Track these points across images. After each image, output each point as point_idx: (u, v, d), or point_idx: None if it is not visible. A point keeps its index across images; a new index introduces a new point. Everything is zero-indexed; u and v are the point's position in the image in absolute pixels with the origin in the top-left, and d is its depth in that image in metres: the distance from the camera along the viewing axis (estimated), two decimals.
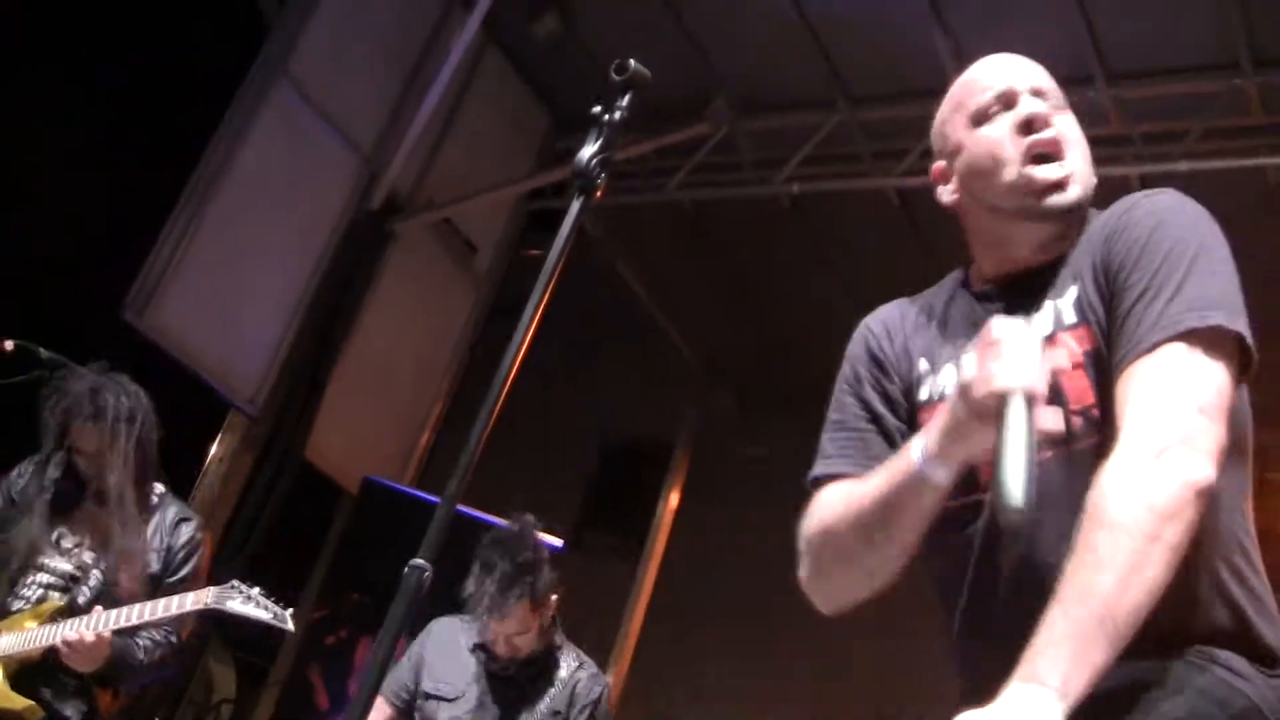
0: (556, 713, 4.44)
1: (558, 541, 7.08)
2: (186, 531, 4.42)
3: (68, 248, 6.03)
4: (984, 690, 1.81)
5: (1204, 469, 1.88)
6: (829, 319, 9.64)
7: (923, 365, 2.31)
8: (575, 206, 2.62)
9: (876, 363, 2.35)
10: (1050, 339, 2.10)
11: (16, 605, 4.17)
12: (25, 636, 4.06)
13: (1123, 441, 1.92)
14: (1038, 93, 2.29)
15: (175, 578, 4.34)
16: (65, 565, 4.23)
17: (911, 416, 2.30)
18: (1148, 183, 7.12)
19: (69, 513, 4.33)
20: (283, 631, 4.18)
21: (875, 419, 2.30)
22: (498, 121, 8.86)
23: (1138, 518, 1.83)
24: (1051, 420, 1.94)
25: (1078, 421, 2.06)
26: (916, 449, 2.04)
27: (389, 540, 7.29)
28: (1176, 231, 2.08)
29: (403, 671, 4.62)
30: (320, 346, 7.88)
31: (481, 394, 2.57)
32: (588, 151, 2.59)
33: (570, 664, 4.59)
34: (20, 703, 3.99)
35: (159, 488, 4.53)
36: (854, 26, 7.47)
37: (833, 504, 2.23)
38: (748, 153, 8.43)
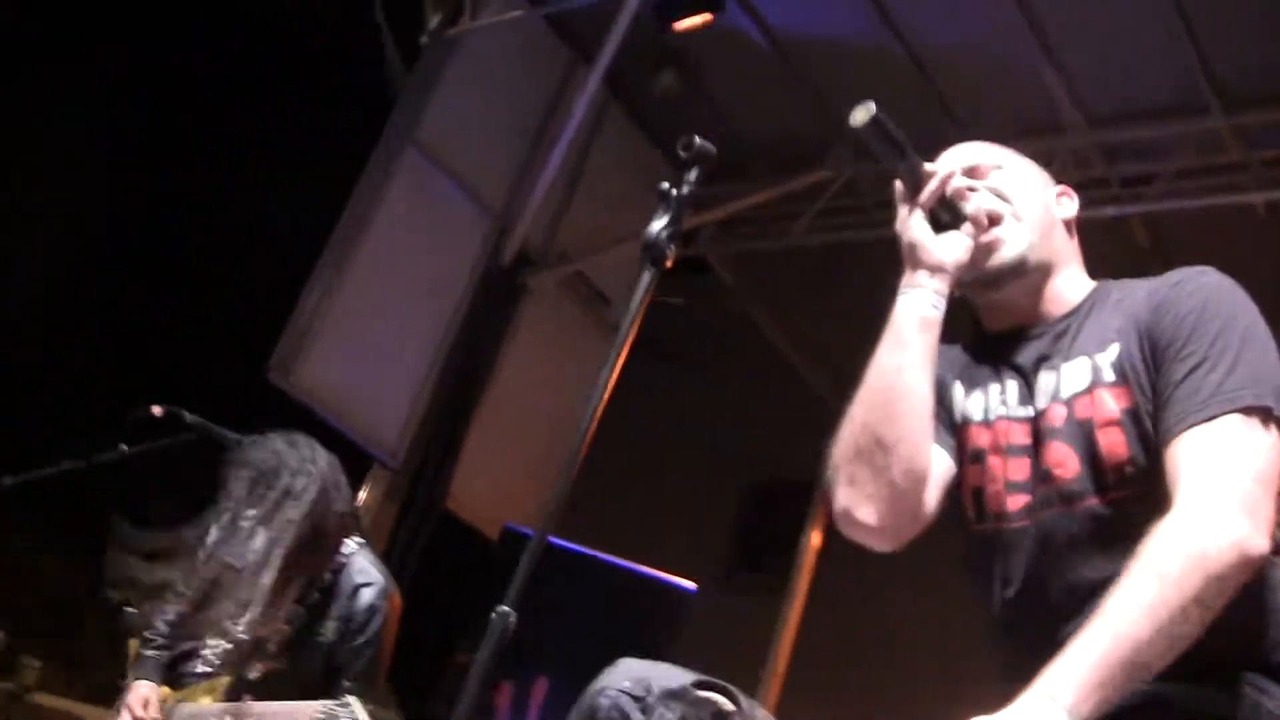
0: None
1: (691, 584, 7.29)
2: (366, 597, 4.26)
3: (211, 313, 6.34)
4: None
5: (1259, 540, 1.96)
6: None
7: (958, 392, 2.45)
8: (645, 277, 2.79)
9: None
10: (1088, 391, 2.22)
11: (201, 669, 4.23)
12: (196, 711, 4.11)
13: (1183, 498, 2.00)
14: (969, 170, 2.44)
15: (352, 644, 4.24)
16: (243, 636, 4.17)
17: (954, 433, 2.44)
18: (1275, 209, 7.09)
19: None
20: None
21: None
22: (624, 174, 9.06)
23: (1187, 575, 1.91)
24: None
25: (1112, 476, 2.16)
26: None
27: (531, 587, 7.49)
28: (1226, 308, 2.17)
29: None
30: (458, 399, 8.16)
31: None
32: (657, 225, 2.76)
33: None
34: None
35: (351, 545, 4.38)
36: (965, 67, 7.54)
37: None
38: (869, 195, 8.51)
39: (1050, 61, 7.10)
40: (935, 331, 2.30)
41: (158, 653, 4.33)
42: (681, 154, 2.82)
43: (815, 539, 10.41)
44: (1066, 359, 2.28)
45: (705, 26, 7.33)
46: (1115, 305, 2.32)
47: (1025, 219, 2.39)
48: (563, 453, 7.78)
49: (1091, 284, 2.44)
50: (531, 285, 8.61)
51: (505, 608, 2.47)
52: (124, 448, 4.48)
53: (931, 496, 2.35)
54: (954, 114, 7.87)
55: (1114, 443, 2.16)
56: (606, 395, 2.69)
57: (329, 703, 3.71)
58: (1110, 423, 2.17)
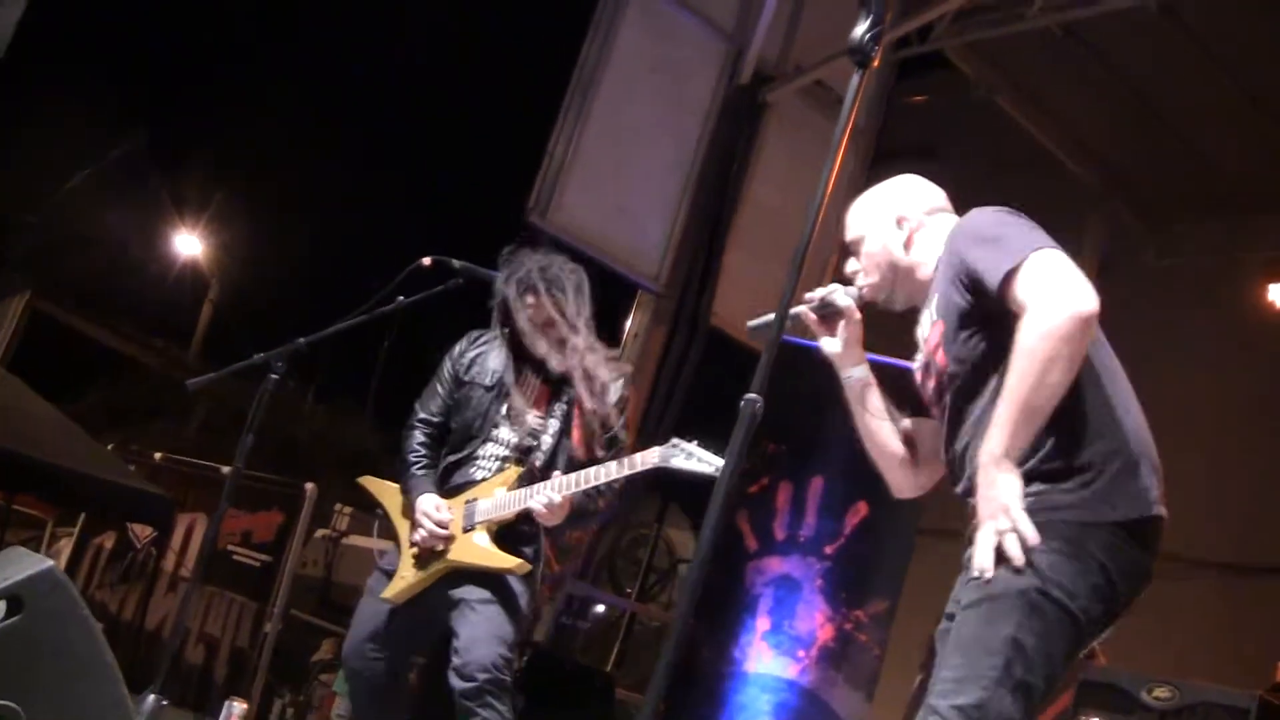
0: None
1: None
2: (616, 390, 4.61)
3: (467, 163, 6.63)
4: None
5: (1083, 300, 2.65)
6: (1223, 118, 9.38)
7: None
8: (855, 79, 2.97)
9: None
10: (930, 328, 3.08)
11: (480, 475, 4.50)
12: (499, 501, 4.40)
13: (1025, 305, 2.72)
14: (852, 244, 3.33)
15: (609, 434, 4.56)
16: (515, 435, 4.50)
17: None
18: None
19: (516, 384, 4.57)
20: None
21: None
22: None
23: (1041, 340, 2.65)
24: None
25: (945, 380, 3.00)
26: None
27: (796, 390, 7.73)
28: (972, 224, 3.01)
29: None
30: (713, 218, 8.41)
31: None
32: (860, 29, 2.93)
33: None
34: (510, 561, 4.36)
35: None
36: None
37: None
38: None
39: None
40: (865, 387, 3.31)
41: (425, 471, 4.61)
42: None
43: None
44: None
45: None
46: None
47: (870, 273, 3.25)
48: (820, 258, 7.90)
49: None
50: (772, 100, 8.73)
51: (753, 394, 2.71)
52: (401, 299, 4.73)
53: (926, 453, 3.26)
54: None
55: (941, 360, 3.02)
56: (826, 200, 2.87)
57: (655, 448, 4.17)
58: (937, 347, 3.02)
